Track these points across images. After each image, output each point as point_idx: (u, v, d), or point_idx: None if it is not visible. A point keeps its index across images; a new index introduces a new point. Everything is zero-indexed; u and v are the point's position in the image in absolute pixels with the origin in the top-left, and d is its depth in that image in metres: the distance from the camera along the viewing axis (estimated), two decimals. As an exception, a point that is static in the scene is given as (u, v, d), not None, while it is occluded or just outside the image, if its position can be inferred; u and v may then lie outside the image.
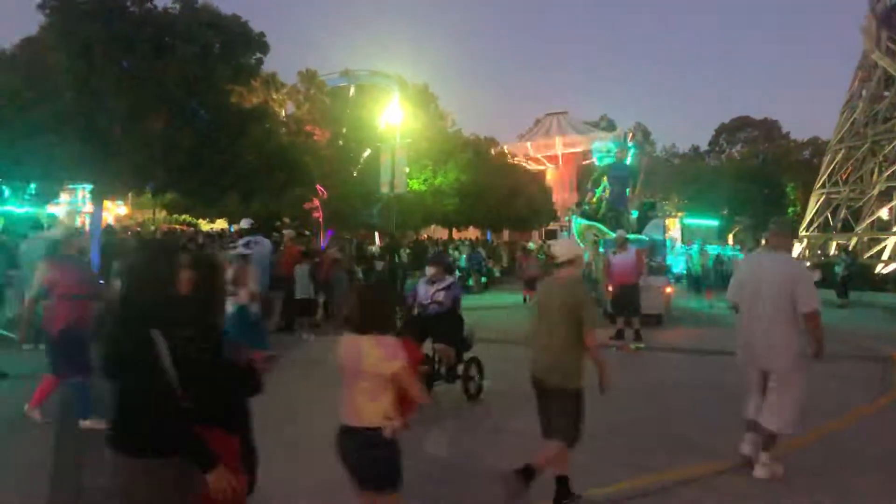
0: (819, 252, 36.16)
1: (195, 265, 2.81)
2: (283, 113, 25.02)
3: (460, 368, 7.30)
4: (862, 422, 6.61)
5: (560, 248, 4.62)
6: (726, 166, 59.63)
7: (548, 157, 57.24)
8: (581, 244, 15.95)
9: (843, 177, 38.28)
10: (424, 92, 32.95)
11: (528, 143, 57.84)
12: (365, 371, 3.12)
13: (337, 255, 13.55)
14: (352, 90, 29.17)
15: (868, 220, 35.22)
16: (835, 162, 38.33)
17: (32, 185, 18.56)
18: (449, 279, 7.53)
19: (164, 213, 32.22)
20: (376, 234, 29.06)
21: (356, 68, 30.89)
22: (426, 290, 7.38)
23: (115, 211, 33.72)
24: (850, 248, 32.53)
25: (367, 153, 26.27)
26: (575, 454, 4.45)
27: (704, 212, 38.82)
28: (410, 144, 23.41)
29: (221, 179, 17.88)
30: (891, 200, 34.41)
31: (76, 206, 23.70)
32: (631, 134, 22.37)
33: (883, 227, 35.04)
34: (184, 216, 31.35)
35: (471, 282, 22.22)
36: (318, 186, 24.13)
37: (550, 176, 55.98)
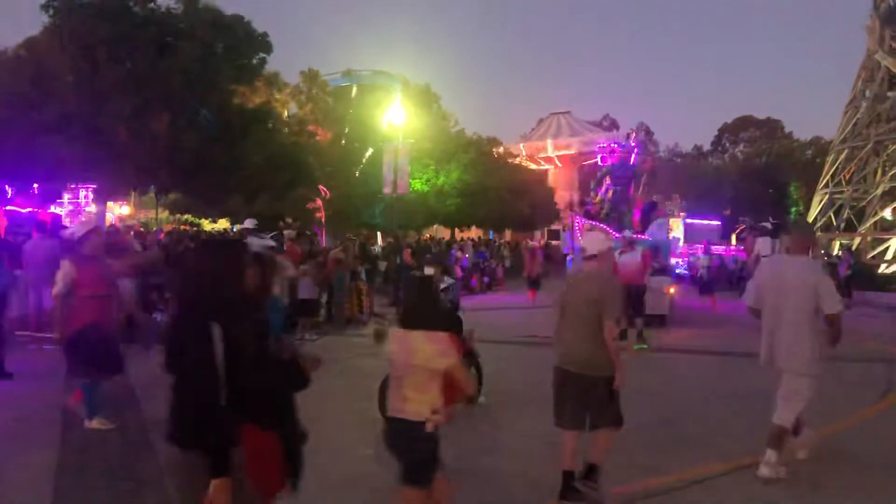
0: (823, 252, 36.10)
1: (252, 262, 2.86)
2: (286, 113, 25.06)
3: None
4: (866, 423, 6.60)
5: (589, 242, 4.69)
6: (729, 166, 59.61)
7: (550, 156, 57.17)
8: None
9: (847, 177, 38.20)
10: (426, 92, 33.00)
11: (531, 143, 57.79)
12: (417, 365, 3.28)
13: (339, 256, 13.54)
14: (354, 90, 29.22)
15: (871, 221, 35.15)
16: (838, 162, 38.26)
17: (36, 185, 18.60)
18: (447, 280, 7.42)
19: (166, 214, 32.29)
20: (378, 234, 29.08)
21: (358, 68, 30.97)
22: None
23: (118, 211, 33.80)
24: (854, 248, 32.47)
25: (369, 153, 26.31)
26: (578, 454, 4.47)
27: (707, 212, 38.76)
28: (413, 144, 23.43)
29: (225, 180, 17.92)
30: (894, 200, 34.32)
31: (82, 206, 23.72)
32: (634, 134, 22.34)
33: (886, 228, 34.98)
34: (186, 216, 31.41)
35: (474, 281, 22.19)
36: (321, 186, 24.15)
37: (553, 176, 55.94)
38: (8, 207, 18.39)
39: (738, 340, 11.70)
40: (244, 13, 18.43)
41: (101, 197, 21.84)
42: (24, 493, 4.58)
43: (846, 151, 37.77)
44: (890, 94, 35.91)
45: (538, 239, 43.73)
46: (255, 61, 18.98)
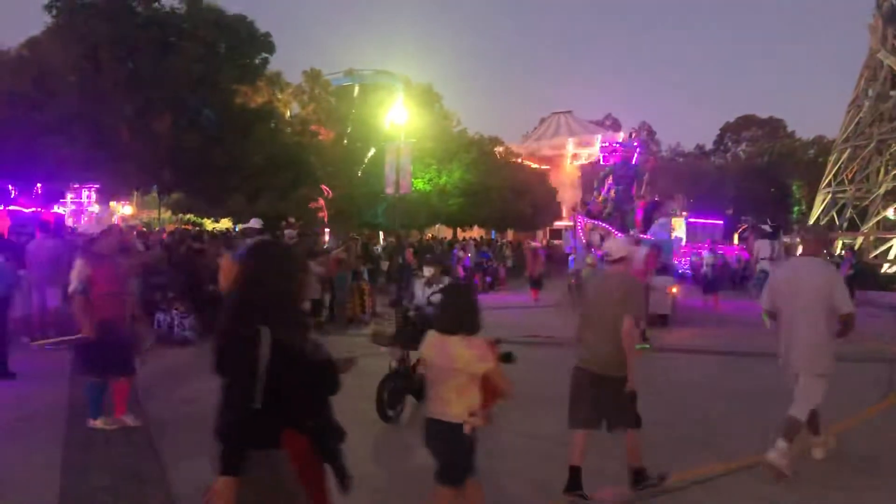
0: (826, 252, 36.04)
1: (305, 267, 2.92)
2: (288, 113, 25.07)
3: None
4: (869, 423, 6.60)
5: (614, 246, 4.88)
6: (731, 165, 59.54)
7: (553, 156, 57.14)
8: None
9: (849, 176, 38.16)
10: (428, 91, 32.99)
11: (533, 143, 57.78)
12: (458, 370, 3.40)
13: (341, 255, 13.54)
14: (356, 90, 29.22)
15: (874, 220, 35.11)
16: (840, 161, 38.21)
17: (39, 185, 18.64)
18: (447, 281, 7.22)
19: (168, 213, 32.30)
20: (381, 233, 29.09)
21: (360, 68, 30.97)
22: (423, 292, 7.15)
23: (121, 210, 33.84)
24: (856, 247, 32.42)
25: (371, 153, 26.31)
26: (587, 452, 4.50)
27: (709, 211, 38.72)
28: (415, 144, 23.43)
29: (227, 179, 17.95)
30: (897, 200, 34.32)
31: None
32: (636, 133, 22.34)
33: (889, 227, 34.92)
34: (188, 216, 31.44)
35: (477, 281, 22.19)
36: (323, 186, 24.17)
37: (555, 175, 55.92)
38: (11, 207, 18.45)
39: (739, 340, 11.69)
40: (247, 13, 18.47)
41: (104, 197, 21.91)
42: (29, 492, 4.59)
43: (849, 151, 37.72)
44: (893, 92, 35.86)
45: (540, 238, 43.72)
46: (257, 61, 19.01)
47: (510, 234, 43.12)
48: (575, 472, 4.45)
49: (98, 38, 15.19)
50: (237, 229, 26.44)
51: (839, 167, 38.27)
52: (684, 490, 4.79)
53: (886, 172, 35.42)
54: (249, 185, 19.18)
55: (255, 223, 11.57)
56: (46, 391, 7.06)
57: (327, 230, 24.83)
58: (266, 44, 18.80)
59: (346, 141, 26.55)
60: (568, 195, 49.47)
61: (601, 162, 21.48)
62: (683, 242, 29.88)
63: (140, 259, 8.62)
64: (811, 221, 38.65)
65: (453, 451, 3.47)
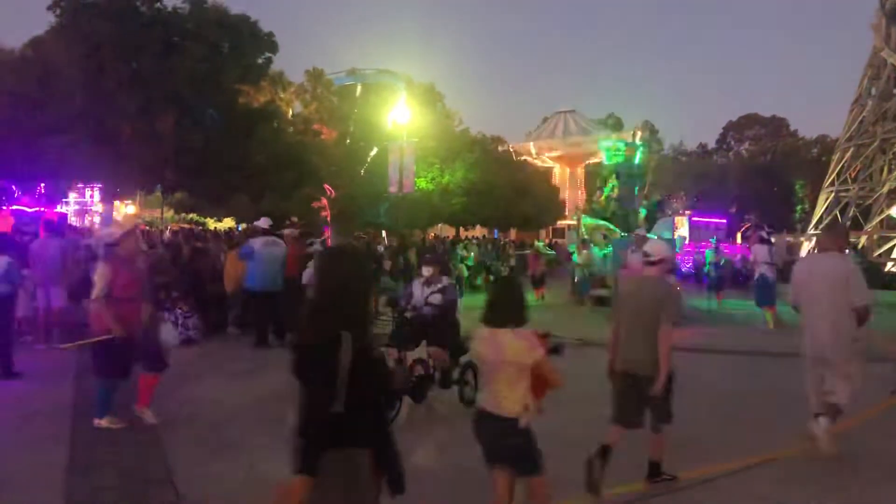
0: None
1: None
2: (291, 112, 25.08)
3: (456, 373, 6.98)
4: (873, 422, 6.59)
5: (653, 248, 4.98)
6: (734, 164, 59.44)
7: (555, 155, 57.07)
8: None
9: (852, 175, 38.09)
10: (431, 90, 32.95)
11: (536, 142, 57.68)
12: (508, 361, 3.47)
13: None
14: (359, 89, 29.21)
15: (878, 219, 35.03)
16: (844, 160, 38.14)
17: (42, 185, 18.71)
18: (445, 281, 7.20)
19: (171, 213, 32.40)
20: (384, 232, 29.11)
21: (363, 67, 30.94)
22: (421, 292, 7.02)
23: (124, 210, 33.94)
24: (860, 246, 32.36)
25: (374, 152, 26.32)
26: (582, 455, 4.50)
27: (712, 210, 38.68)
28: (417, 143, 23.44)
29: (230, 179, 17.96)
30: (900, 198, 34.24)
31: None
32: (639, 132, 22.34)
33: (893, 226, 34.84)
34: (191, 215, 31.53)
35: (479, 280, 22.21)
36: (326, 186, 24.19)
37: (558, 174, 55.85)
38: (14, 207, 18.52)
39: (742, 339, 11.69)
40: (250, 13, 18.49)
41: (107, 196, 21.94)
42: (35, 491, 4.61)
43: (852, 149, 37.64)
44: (896, 91, 35.79)
45: (543, 237, 43.70)
46: (260, 61, 19.01)
47: (513, 234, 43.12)
48: (605, 450, 4.50)
49: (101, 37, 15.22)
50: (240, 228, 26.53)
51: (842, 166, 38.20)
52: (684, 490, 4.80)
53: (890, 171, 35.36)
54: (252, 185, 19.20)
55: (263, 222, 11.52)
56: (51, 391, 7.09)
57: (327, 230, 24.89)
58: (269, 43, 18.81)
59: (348, 140, 26.53)
60: (571, 194, 49.44)
61: (604, 161, 21.49)
62: (687, 241, 29.91)
63: (150, 260, 8.68)
64: (814, 220, 38.60)
65: (514, 445, 3.53)
